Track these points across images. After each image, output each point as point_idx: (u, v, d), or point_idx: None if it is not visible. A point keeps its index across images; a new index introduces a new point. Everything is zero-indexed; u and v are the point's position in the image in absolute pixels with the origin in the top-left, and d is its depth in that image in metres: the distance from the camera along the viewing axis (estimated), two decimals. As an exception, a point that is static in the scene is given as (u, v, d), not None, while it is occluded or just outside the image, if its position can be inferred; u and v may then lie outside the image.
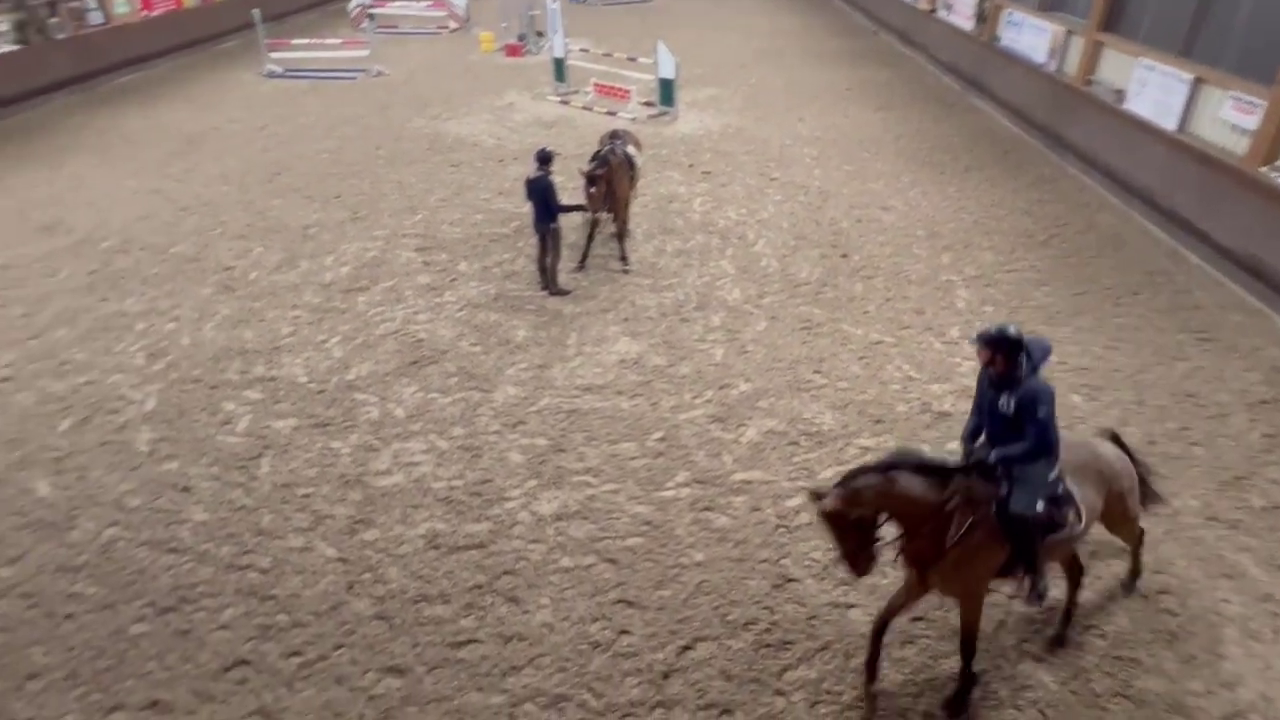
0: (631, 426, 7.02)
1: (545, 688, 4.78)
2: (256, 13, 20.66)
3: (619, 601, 5.34)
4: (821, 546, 5.62)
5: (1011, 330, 4.14)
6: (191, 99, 17.79)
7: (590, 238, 9.76)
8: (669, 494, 6.25)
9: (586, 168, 8.96)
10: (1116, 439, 4.96)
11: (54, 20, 18.19)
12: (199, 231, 10.90)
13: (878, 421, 7.06)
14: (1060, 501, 4.31)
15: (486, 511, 6.08)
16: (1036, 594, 4.41)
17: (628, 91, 16.32)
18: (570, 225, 9.69)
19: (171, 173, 13.12)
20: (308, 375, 7.76)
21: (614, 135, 10.05)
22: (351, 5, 25.66)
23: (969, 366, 7.75)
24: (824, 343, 8.27)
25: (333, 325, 8.62)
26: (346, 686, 4.79)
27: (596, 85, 16.99)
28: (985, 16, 18.20)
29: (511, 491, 6.28)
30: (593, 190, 8.87)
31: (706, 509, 6.10)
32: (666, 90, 15.79)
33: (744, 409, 7.25)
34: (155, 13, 21.66)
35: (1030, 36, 16.03)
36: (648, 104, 16.28)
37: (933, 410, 7.19)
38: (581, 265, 9.71)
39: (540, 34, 22.15)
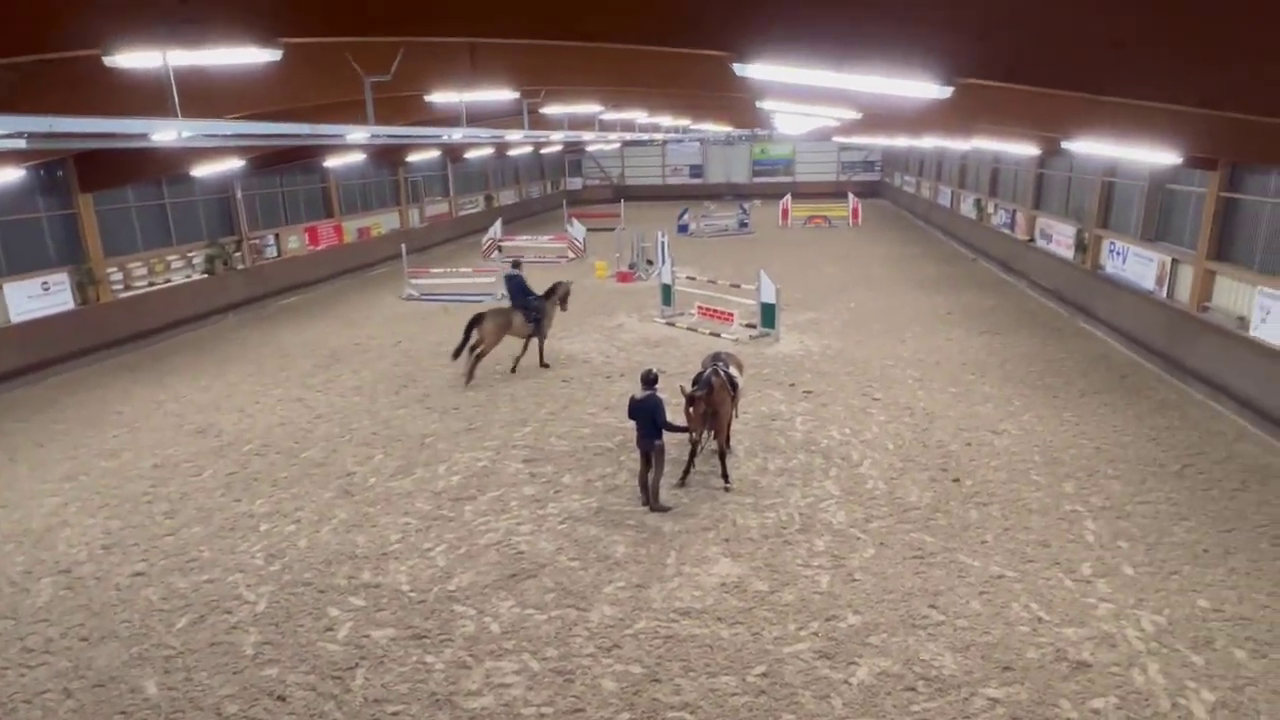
0: (731, 658, 6.62)
1: None
2: (403, 246, 23.74)
3: None
4: (950, 820, 4.89)
5: None
6: (340, 317, 19.99)
7: (692, 455, 9.87)
8: (772, 740, 5.72)
9: (689, 389, 9.28)
10: None
11: (237, 254, 21.37)
12: (328, 438, 11.75)
13: (1006, 669, 6.38)
14: None
15: (576, 746, 5.72)
16: None
17: (731, 315, 17.19)
18: (673, 441, 9.86)
19: (313, 383, 14.45)
20: (410, 583, 7.86)
21: (716, 357, 10.44)
22: (485, 239, 28.98)
23: (1106, 610, 7.06)
24: (939, 574, 7.76)
25: (439, 533, 8.83)
26: None
27: (700, 308, 18.02)
28: (1085, 246, 18.57)
29: (603, 724, 5.91)
30: (690, 410, 9.10)
31: (814, 761, 5.51)
32: (768, 314, 16.54)
33: (854, 645, 6.74)
34: (320, 247, 25.14)
35: (1136, 265, 16.13)
36: (750, 326, 17.03)
37: (1069, 659, 6.46)
38: (683, 482, 9.75)
39: (650, 262, 24.07)
